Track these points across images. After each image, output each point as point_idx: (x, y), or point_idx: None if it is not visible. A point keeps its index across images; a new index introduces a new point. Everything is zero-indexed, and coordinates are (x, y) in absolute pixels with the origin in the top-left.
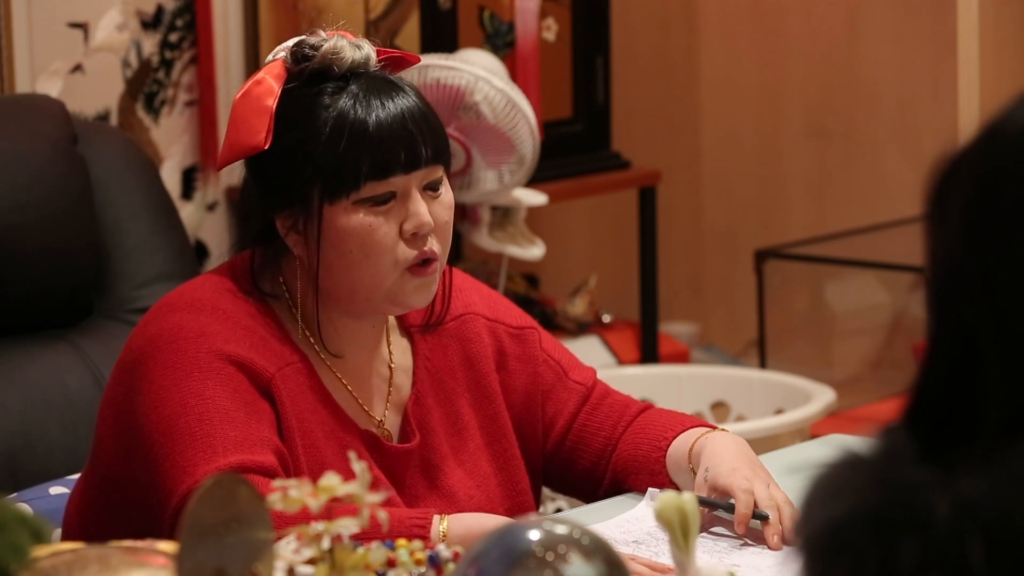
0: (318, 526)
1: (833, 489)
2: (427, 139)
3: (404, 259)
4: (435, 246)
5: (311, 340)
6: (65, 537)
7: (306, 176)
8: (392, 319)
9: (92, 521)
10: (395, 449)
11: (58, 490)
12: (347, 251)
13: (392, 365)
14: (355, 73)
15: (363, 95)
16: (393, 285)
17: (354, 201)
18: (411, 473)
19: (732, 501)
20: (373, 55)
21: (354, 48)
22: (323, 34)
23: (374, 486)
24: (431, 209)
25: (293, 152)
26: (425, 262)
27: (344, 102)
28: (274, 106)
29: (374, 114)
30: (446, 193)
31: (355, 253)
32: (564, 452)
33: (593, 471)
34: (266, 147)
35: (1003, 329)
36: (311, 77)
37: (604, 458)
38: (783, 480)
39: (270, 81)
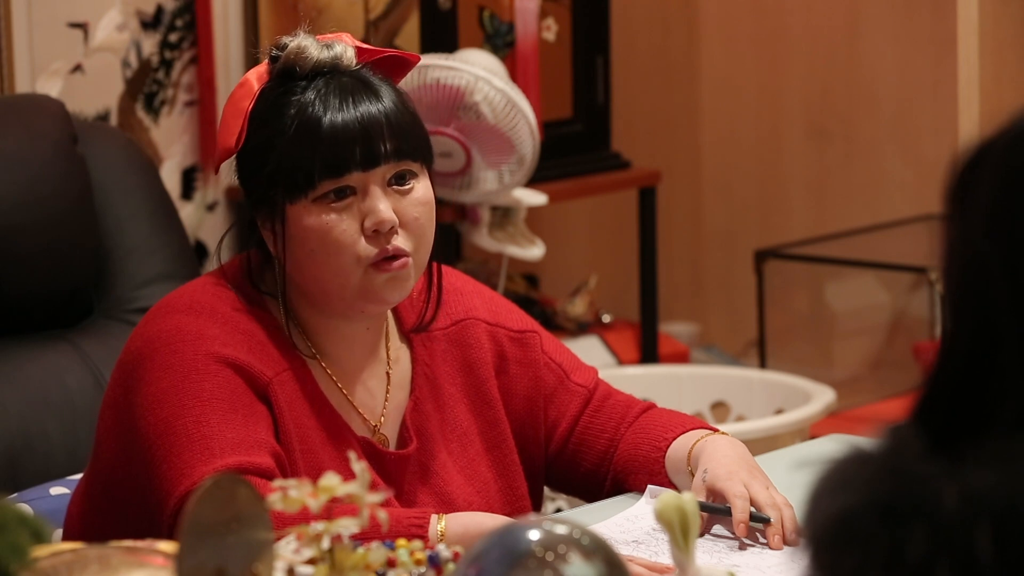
0: (318, 526)
1: (841, 481)
2: (389, 137)
3: (366, 256)
4: (403, 243)
5: (308, 344)
6: (66, 538)
7: (268, 175)
8: (391, 324)
9: (93, 522)
10: (392, 455)
11: (59, 490)
12: (310, 250)
13: (390, 371)
14: (324, 72)
15: (324, 94)
16: (361, 282)
17: (313, 199)
18: (408, 479)
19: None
20: (347, 55)
21: (321, 48)
22: (301, 34)
23: (371, 490)
24: (399, 205)
25: (257, 152)
26: (391, 257)
27: (304, 102)
28: (249, 107)
29: (329, 113)
30: (419, 189)
31: (318, 252)
32: (567, 454)
33: (596, 472)
34: (238, 149)
35: None
36: (281, 77)
37: (607, 459)
38: (787, 476)
39: (252, 82)
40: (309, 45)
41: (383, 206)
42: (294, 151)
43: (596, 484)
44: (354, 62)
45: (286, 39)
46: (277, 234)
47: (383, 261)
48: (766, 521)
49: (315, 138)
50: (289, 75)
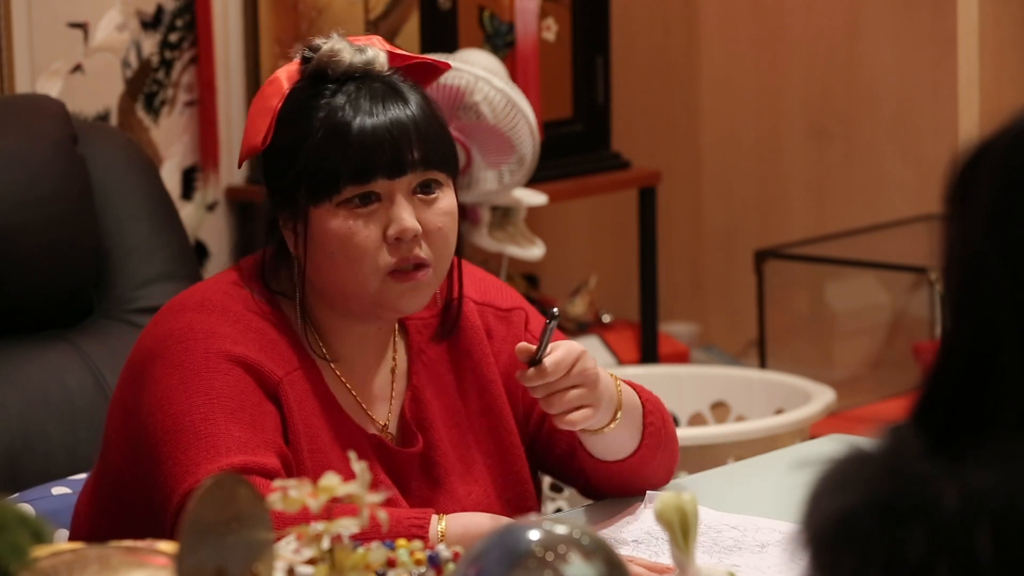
0: (318, 526)
1: (840, 481)
2: (417, 145)
3: (385, 264)
4: (425, 252)
5: (319, 343)
6: (73, 537)
7: (293, 177)
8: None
9: (101, 523)
10: (401, 454)
11: (61, 490)
12: (330, 253)
13: (395, 366)
14: (355, 76)
15: (355, 99)
16: (378, 291)
17: (337, 203)
18: (416, 475)
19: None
20: (380, 59)
21: (355, 51)
22: (335, 36)
23: (378, 489)
24: (423, 215)
25: (284, 152)
26: (414, 267)
27: (334, 105)
28: (278, 106)
29: (359, 118)
30: (444, 199)
31: (338, 255)
32: (544, 434)
33: (570, 457)
34: (263, 147)
35: None
36: (312, 78)
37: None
38: (786, 477)
39: (281, 81)
40: (343, 48)
41: (407, 214)
42: (321, 154)
43: (572, 470)
44: (386, 67)
45: (319, 40)
46: (299, 235)
47: (403, 271)
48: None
49: (343, 142)
50: (320, 77)
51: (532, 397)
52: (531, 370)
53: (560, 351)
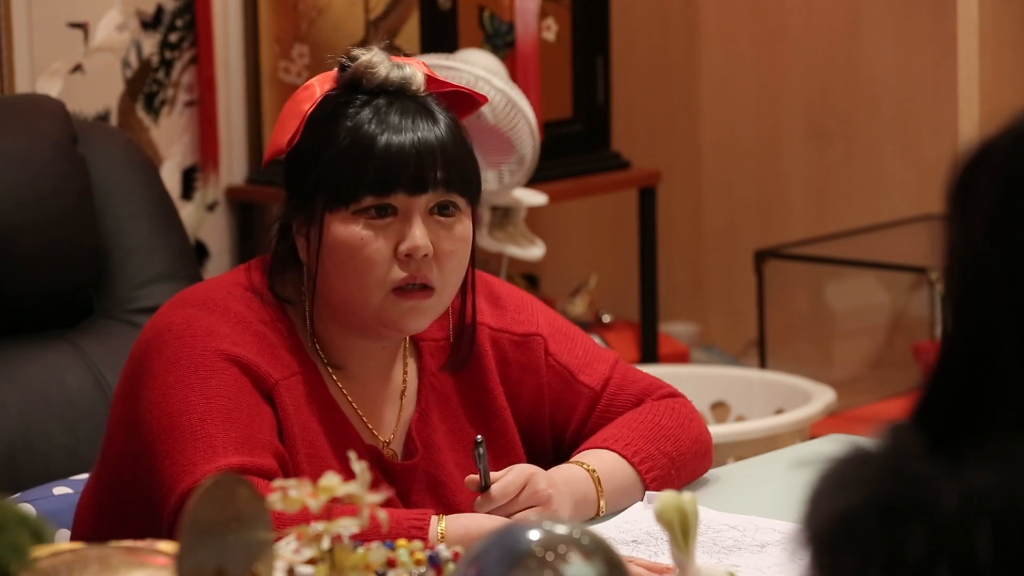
0: (318, 526)
1: (840, 481)
2: (441, 165)
3: (392, 279)
4: (433, 275)
5: (322, 353)
6: (75, 537)
7: (314, 181)
8: (406, 338)
9: (103, 521)
10: (399, 466)
11: (62, 490)
12: (339, 261)
13: (404, 388)
14: (389, 91)
15: (385, 112)
16: (381, 306)
17: (353, 211)
18: (416, 490)
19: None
20: (417, 79)
21: (392, 66)
22: (375, 49)
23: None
24: (437, 236)
25: (308, 156)
26: (418, 287)
27: (363, 115)
28: (309, 111)
29: (387, 131)
30: (461, 225)
31: (346, 264)
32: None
33: None
34: (288, 149)
35: None
36: (346, 87)
37: None
38: (786, 477)
39: (316, 87)
40: (380, 62)
41: (420, 232)
42: (344, 163)
43: None
44: (422, 87)
45: (358, 51)
46: (311, 241)
47: (407, 290)
48: (485, 488)
49: (367, 154)
50: (354, 87)
51: (563, 422)
52: (479, 498)
53: (509, 475)
